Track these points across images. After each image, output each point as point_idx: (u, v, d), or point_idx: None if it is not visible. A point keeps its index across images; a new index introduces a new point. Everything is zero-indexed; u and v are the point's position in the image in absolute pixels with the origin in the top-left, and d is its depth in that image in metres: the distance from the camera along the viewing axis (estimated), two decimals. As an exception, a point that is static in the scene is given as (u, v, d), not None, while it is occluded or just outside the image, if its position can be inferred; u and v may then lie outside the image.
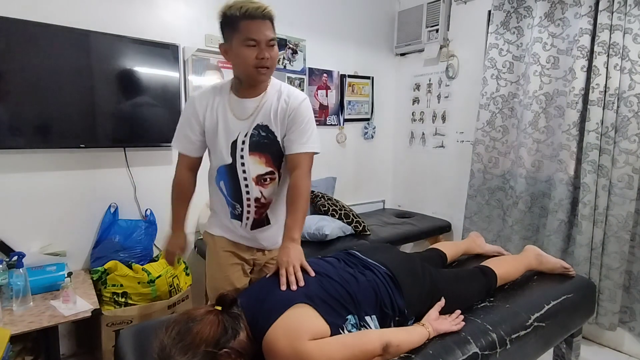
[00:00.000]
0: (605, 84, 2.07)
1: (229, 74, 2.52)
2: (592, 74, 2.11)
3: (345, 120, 3.25)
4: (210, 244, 1.51)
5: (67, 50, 1.91)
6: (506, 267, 1.58)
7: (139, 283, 1.92)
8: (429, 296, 1.29)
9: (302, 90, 2.93)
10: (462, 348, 1.14)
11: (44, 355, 1.69)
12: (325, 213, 2.69)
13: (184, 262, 2.23)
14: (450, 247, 1.80)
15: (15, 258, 1.69)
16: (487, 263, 1.58)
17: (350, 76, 3.21)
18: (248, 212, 1.39)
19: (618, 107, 2.05)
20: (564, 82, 2.29)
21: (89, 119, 2.02)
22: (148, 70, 2.15)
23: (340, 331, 1.05)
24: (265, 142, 1.32)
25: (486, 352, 1.17)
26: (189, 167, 1.51)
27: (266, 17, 1.21)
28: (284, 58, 2.80)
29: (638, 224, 2.08)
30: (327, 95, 3.10)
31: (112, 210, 2.16)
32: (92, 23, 1.99)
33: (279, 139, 1.33)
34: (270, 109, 1.30)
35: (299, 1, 2.83)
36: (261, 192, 1.37)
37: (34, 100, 1.85)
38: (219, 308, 1.00)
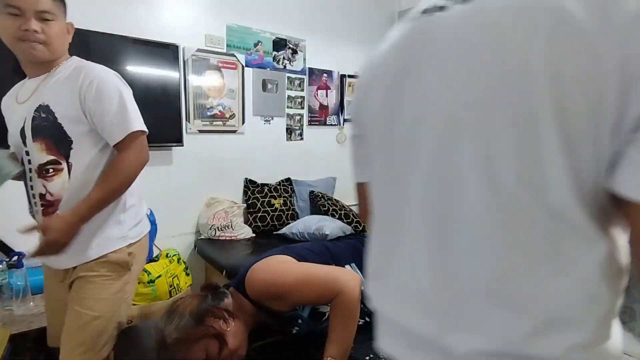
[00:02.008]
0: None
1: (229, 74, 2.53)
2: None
3: (346, 120, 3.25)
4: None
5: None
6: None
7: (139, 283, 1.91)
8: None
9: (302, 90, 2.93)
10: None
11: (44, 355, 1.69)
12: (325, 213, 2.69)
13: (184, 262, 2.23)
14: None
15: (15, 258, 1.69)
16: None
17: (350, 76, 3.21)
18: (36, 212, 1.17)
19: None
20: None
21: (89, 119, 2.02)
22: (148, 70, 2.15)
23: None
24: (45, 125, 1.09)
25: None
26: None
27: None
28: (283, 58, 2.81)
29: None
30: (327, 95, 3.10)
31: (112, 210, 2.16)
32: (92, 23, 1.99)
33: (59, 120, 1.08)
34: (54, 87, 1.09)
35: (299, 1, 2.83)
36: (45, 187, 1.12)
37: (34, 100, 1.85)
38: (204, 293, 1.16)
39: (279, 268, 1.13)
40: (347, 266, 1.23)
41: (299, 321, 1.15)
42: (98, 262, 1.14)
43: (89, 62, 1.15)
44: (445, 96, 0.45)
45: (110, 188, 1.10)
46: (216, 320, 1.07)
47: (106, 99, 1.08)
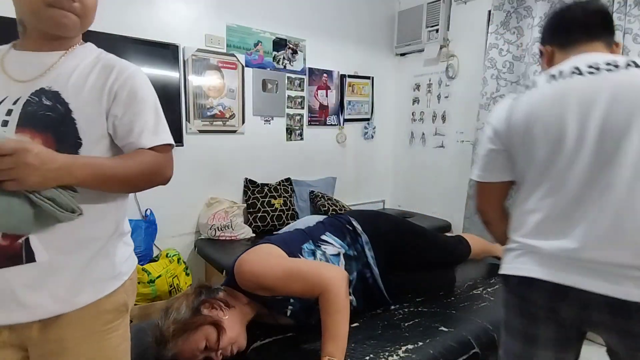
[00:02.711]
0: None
1: (229, 74, 2.53)
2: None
3: (345, 120, 3.25)
4: None
5: (67, 50, 1.91)
6: (477, 241, 1.74)
7: (139, 283, 1.91)
8: (388, 226, 1.50)
9: (302, 90, 2.93)
10: (462, 347, 1.14)
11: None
12: (325, 213, 2.69)
13: (184, 262, 2.23)
14: (477, 242, 1.74)
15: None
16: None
17: (350, 76, 3.21)
18: None
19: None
20: (564, 82, 2.30)
21: (89, 119, 2.01)
22: (148, 70, 2.15)
23: (299, 256, 1.26)
24: (47, 115, 0.81)
25: (487, 352, 1.17)
26: None
27: None
28: (283, 58, 2.81)
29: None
30: (327, 95, 3.10)
31: (112, 210, 2.15)
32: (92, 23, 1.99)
33: (74, 114, 0.83)
34: (73, 73, 0.86)
35: (299, 1, 2.83)
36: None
37: (34, 100, 1.85)
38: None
39: (264, 260, 1.18)
40: (323, 236, 1.36)
41: (291, 300, 1.17)
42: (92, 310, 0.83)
43: (112, 54, 0.98)
44: (594, 126, 0.81)
45: (124, 168, 0.84)
46: (212, 309, 1.12)
47: (140, 102, 0.90)
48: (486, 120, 1.18)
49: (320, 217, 2.52)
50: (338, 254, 1.32)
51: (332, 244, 1.35)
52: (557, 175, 0.86)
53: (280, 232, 2.56)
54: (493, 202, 1.06)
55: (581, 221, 0.82)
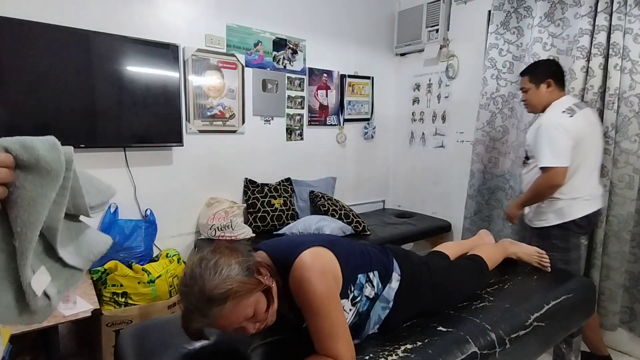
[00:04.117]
0: (606, 84, 2.07)
1: (229, 74, 2.53)
2: (587, 75, 2.11)
3: (345, 120, 3.25)
4: None
5: (67, 50, 1.91)
6: (487, 251, 1.67)
7: (139, 283, 1.92)
8: (423, 274, 1.31)
9: (302, 90, 2.94)
10: (461, 347, 1.14)
11: (43, 355, 1.70)
12: (325, 213, 2.69)
13: (184, 262, 2.24)
14: (451, 247, 1.78)
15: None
16: (470, 252, 1.68)
17: (350, 76, 3.21)
18: None
19: (618, 107, 2.05)
20: (564, 82, 2.30)
21: (89, 119, 2.02)
22: (148, 70, 2.15)
23: (350, 287, 1.11)
24: None
25: (485, 352, 1.17)
26: None
27: None
28: (283, 58, 2.81)
29: (638, 224, 2.07)
30: (327, 95, 3.10)
31: (112, 210, 2.16)
32: (92, 23, 2.00)
33: None
34: None
35: (299, 1, 2.83)
36: None
37: (34, 100, 1.85)
38: None
39: (319, 281, 0.99)
40: (371, 273, 1.18)
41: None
42: None
43: None
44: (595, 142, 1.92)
45: None
46: (263, 275, 1.00)
47: None
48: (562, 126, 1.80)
49: (324, 220, 2.53)
50: (369, 299, 1.17)
51: (372, 285, 1.18)
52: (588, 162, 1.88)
53: (286, 229, 2.52)
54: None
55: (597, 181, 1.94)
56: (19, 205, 0.46)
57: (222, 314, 0.90)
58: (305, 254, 1.02)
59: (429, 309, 1.31)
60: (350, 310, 1.12)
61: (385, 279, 1.21)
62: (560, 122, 1.80)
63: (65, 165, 0.48)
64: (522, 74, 2.05)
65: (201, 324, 0.92)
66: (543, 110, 1.95)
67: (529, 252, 1.78)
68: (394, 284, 1.21)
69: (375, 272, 1.19)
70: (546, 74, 1.92)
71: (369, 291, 1.16)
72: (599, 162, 1.93)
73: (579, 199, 1.84)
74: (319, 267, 1.01)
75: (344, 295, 1.09)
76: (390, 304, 1.19)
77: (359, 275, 1.15)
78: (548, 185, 1.81)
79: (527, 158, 2.06)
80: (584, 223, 1.87)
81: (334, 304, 1.01)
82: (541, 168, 1.83)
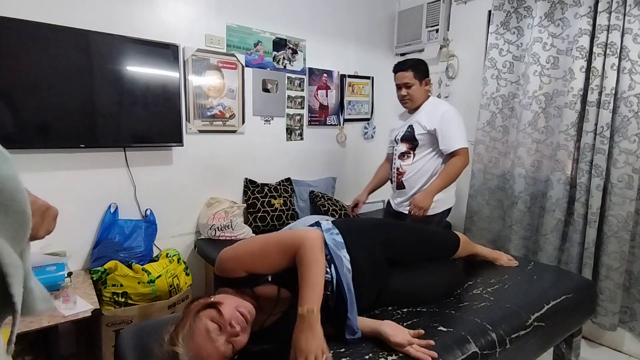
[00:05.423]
0: (602, 84, 2.07)
1: (229, 74, 2.53)
2: (591, 74, 2.11)
3: (345, 120, 3.25)
4: None
5: (67, 50, 1.91)
6: (463, 237, 1.73)
7: (139, 283, 1.92)
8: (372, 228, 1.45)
9: (302, 90, 2.94)
10: (461, 347, 1.14)
11: (43, 355, 1.70)
12: (325, 213, 2.69)
13: (184, 262, 2.23)
14: (463, 238, 1.73)
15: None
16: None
17: (350, 76, 3.21)
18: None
19: (617, 107, 2.05)
20: (563, 83, 2.29)
21: (89, 119, 2.02)
22: (148, 70, 2.15)
23: None
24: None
25: (485, 352, 1.17)
26: None
27: None
28: (283, 58, 2.81)
29: (638, 224, 2.08)
30: (327, 95, 3.10)
31: (112, 210, 2.16)
32: (92, 23, 2.00)
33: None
34: None
35: (299, 1, 2.83)
36: None
37: (34, 100, 1.85)
38: None
39: (237, 244, 1.16)
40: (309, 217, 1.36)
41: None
42: None
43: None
44: None
45: None
46: (198, 300, 1.06)
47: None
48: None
49: (319, 217, 2.54)
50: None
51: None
52: None
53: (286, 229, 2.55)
54: None
55: None
56: None
57: (193, 346, 0.95)
58: (217, 258, 1.17)
59: (392, 247, 1.41)
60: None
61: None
62: (456, 110, 2.06)
63: None
64: (404, 69, 2.10)
65: None
66: (417, 108, 2.13)
67: (496, 256, 1.81)
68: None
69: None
70: (426, 72, 2.12)
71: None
72: None
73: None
74: (228, 247, 1.17)
75: None
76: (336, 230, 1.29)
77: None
78: (466, 164, 2.00)
79: (411, 149, 2.10)
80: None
81: (259, 236, 1.21)
82: (456, 151, 1.99)
